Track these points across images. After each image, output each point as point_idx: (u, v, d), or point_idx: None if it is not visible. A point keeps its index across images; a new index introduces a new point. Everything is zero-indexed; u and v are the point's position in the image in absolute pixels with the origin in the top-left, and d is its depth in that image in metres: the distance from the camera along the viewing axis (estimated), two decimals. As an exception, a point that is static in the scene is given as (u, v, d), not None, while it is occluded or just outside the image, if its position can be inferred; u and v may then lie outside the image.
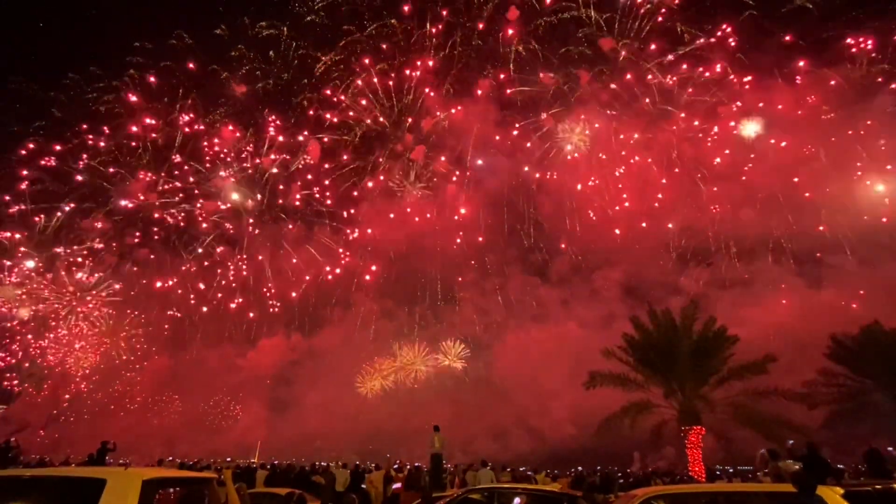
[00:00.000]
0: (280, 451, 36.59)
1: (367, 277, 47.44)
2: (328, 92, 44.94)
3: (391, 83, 44.35)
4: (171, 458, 26.67)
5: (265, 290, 47.46)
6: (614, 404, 19.33)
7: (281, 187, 47.05)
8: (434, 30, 43.12)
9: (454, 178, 45.78)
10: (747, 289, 39.49)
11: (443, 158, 45.11)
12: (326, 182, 46.82)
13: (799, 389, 19.91)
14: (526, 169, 44.69)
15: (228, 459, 27.81)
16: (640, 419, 18.87)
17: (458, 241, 45.64)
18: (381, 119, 45.23)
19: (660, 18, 39.14)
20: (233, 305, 47.43)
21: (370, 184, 46.14)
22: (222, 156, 45.49)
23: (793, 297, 37.18)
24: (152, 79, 43.85)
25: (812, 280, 37.94)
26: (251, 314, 47.73)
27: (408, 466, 21.10)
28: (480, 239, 46.22)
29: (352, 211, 47.08)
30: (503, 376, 41.39)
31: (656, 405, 18.96)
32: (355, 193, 46.60)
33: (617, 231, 42.76)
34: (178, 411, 44.59)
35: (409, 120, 45.11)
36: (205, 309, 46.99)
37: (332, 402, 41.83)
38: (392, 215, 45.67)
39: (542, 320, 43.33)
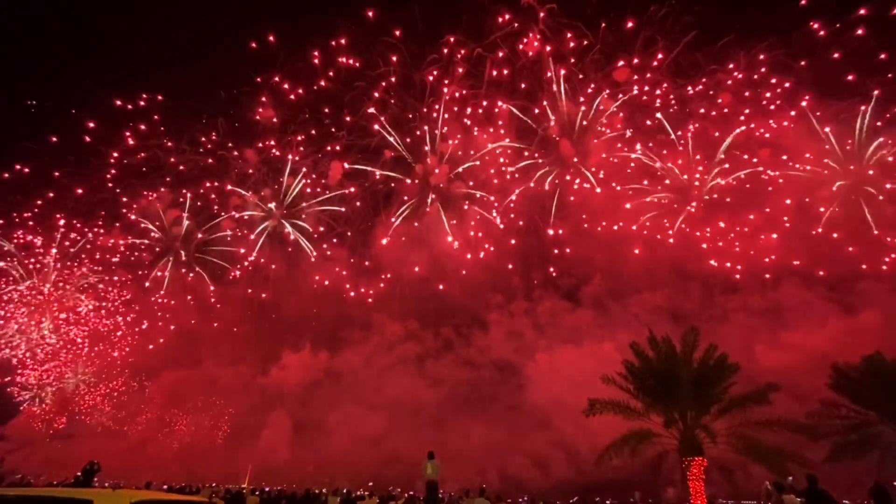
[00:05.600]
0: (271, 477, 35.69)
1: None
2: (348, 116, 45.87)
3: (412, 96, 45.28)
4: (164, 486, 25.94)
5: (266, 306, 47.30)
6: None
7: (305, 211, 47.32)
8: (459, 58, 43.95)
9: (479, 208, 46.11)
10: (774, 316, 38.84)
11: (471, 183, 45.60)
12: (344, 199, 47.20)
13: (803, 420, 19.52)
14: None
15: (214, 484, 26.97)
16: (640, 449, 18.37)
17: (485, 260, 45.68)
18: (404, 141, 45.81)
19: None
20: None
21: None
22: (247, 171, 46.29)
23: (820, 323, 36.11)
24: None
25: (845, 306, 37.23)
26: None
27: (406, 495, 20.62)
28: (510, 266, 46.53)
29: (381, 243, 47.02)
30: (540, 400, 40.04)
31: (657, 434, 18.46)
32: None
33: (637, 250, 42.85)
34: (176, 435, 43.49)
35: (434, 143, 45.58)
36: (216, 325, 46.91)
37: (340, 427, 40.72)
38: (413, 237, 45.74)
39: (579, 342, 41.28)
